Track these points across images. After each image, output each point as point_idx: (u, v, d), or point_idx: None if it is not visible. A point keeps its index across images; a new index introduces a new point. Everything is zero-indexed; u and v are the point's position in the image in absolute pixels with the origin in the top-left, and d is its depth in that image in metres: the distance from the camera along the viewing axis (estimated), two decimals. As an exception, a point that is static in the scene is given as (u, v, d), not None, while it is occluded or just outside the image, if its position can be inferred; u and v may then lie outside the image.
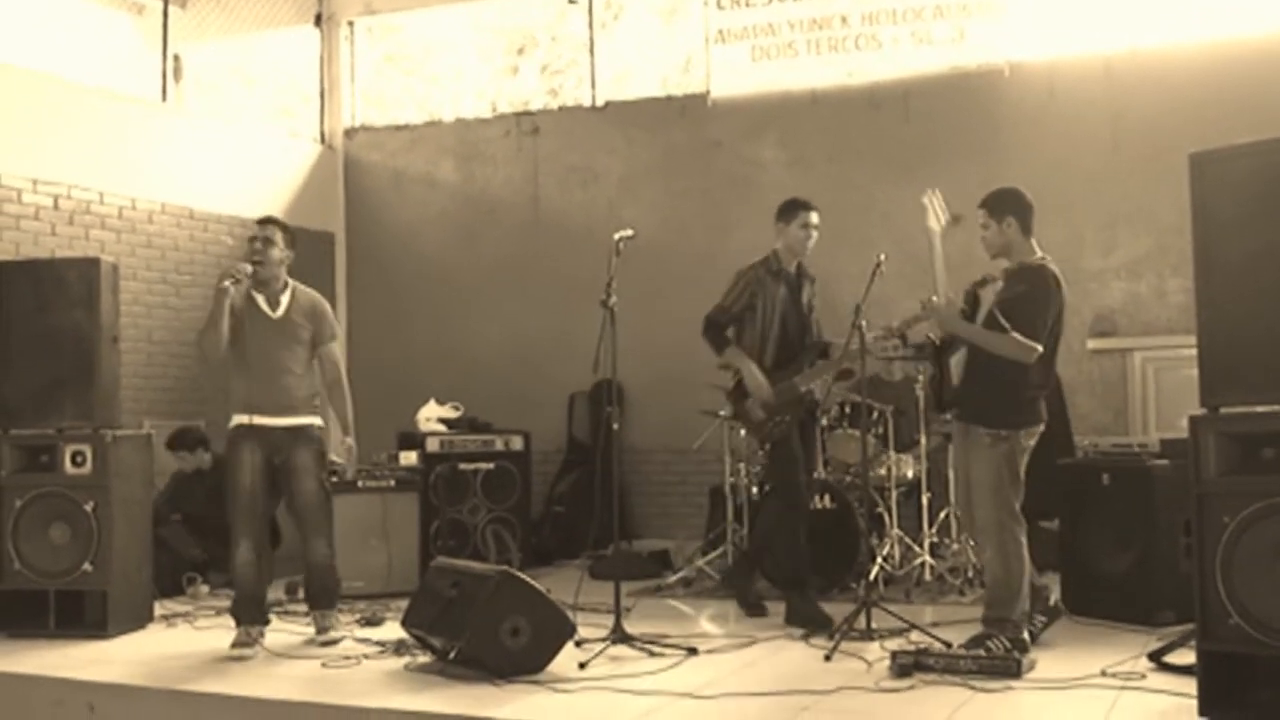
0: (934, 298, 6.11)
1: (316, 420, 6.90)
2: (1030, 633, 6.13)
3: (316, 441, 6.84)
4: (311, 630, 6.91)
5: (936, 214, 6.29)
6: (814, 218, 7.22)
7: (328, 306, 7.03)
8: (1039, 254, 6.11)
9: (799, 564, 7.14)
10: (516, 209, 11.07)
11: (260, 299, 6.74)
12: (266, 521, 6.99)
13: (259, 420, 6.68)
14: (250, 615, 6.67)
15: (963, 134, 9.58)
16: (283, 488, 6.82)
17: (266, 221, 6.88)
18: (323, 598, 6.90)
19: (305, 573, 6.98)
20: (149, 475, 7.66)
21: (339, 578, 7.04)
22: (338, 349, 7.00)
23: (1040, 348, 5.86)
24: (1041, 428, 6.14)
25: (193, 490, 8.84)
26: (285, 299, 6.81)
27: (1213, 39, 9.09)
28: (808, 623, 6.81)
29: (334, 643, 6.71)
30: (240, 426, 6.71)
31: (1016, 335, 5.84)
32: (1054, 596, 6.41)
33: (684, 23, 10.76)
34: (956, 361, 6.27)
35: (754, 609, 7.39)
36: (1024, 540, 6.03)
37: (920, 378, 8.21)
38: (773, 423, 7.14)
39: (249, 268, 6.62)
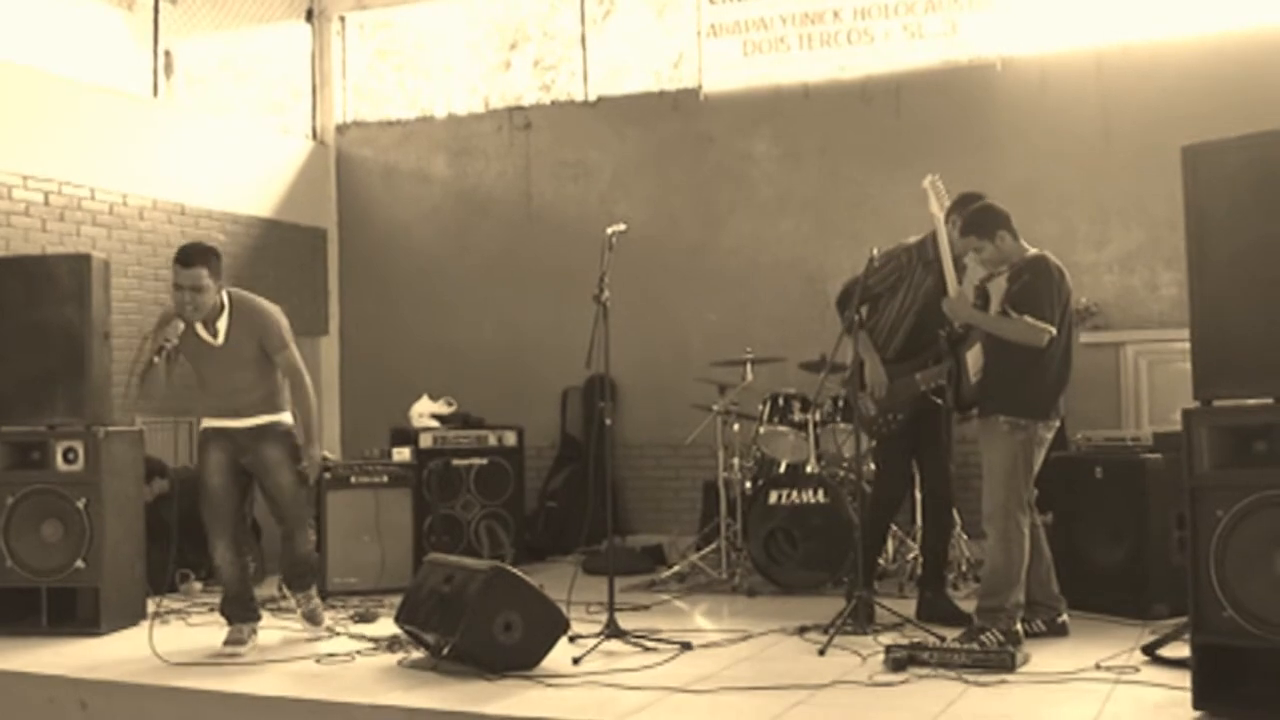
0: (951, 296, 6.20)
1: (282, 416, 6.73)
2: (1024, 630, 6.15)
3: (283, 436, 6.70)
4: (301, 626, 6.92)
5: (939, 199, 6.32)
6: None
7: (271, 317, 6.65)
8: (1033, 249, 6.20)
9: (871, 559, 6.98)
10: (509, 204, 11.06)
11: (200, 329, 6.51)
12: (239, 519, 6.89)
13: (221, 423, 6.65)
14: (239, 613, 6.66)
15: (955, 128, 9.58)
16: (259, 486, 6.78)
17: (190, 263, 6.34)
18: (296, 582, 6.89)
19: (282, 562, 6.94)
20: (140, 472, 7.64)
21: (316, 562, 7.04)
22: (293, 356, 6.66)
23: (1053, 330, 5.91)
24: (1059, 422, 6.21)
25: (159, 515, 8.72)
26: (223, 324, 6.52)
27: (1203, 33, 9.09)
28: (944, 619, 6.55)
29: (319, 621, 6.85)
30: (207, 429, 6.71)
31: (1028, 318, 5.93)
32: (1064, 616, 6.39)
33: (676, 17, 10.75)
34: (974, 357, 6.29)
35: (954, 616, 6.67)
36: (1027, 532, 6.06)
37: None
38: (884, 420, 6.89)
39: (177, 331, 6.39)
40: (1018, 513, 6.05)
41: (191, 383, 6.72)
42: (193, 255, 6.39)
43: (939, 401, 6.75)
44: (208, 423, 6.70)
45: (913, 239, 6.92)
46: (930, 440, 6.94)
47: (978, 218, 6.28)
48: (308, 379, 6.69)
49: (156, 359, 6.32)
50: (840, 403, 8.20)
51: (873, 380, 6.84)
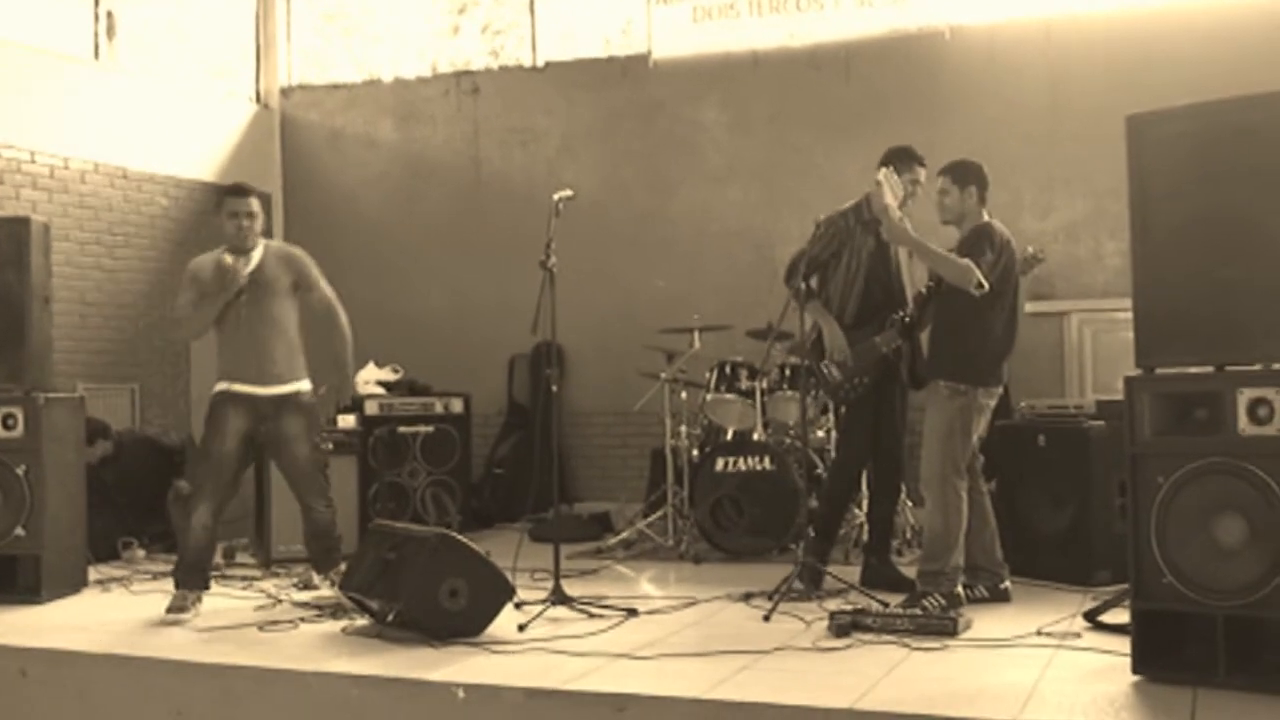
0: (891, 219, 6.25)
1: (303, 385, 6.79)
2: (967, 595, 6.20)
3: (304, 408, 6.76)
4: (244, 594, 6.88)
5: (892, 190, 6.35)
6: (921, 175, 6.79)
7: (304, 255, 6.88)
8: (988, 219, 6.30)
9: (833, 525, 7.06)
10: (456, 170, 11.00)
11: (244, 270, 6.63)
12: (233, 490, 6.86)
13: (244, 389, 6.65)
14: (193, 581, 6.59)
15: (903, 96, 9.60)
16: (272, 456, 6.83)
17: (245, 193, 6.69)
18: (324, 560, 6.86)
19: (306, 535, 6.94)
20: (81, 438, 7.55)
21: (339, 534, 6.98)
22: (327, 289, 6.82)
23: (983, 279, 5.94)
24: (1001, 390, 6.27)
25: (101, 477, 8.65)
26: (256, 256, 6.69)
27: (1152, 5, 9.15)
28: (889, 586, 6.58)
29: (313, 588, 6.87)
30: (224, 392, 6.68)
31: (963, 260, 6.00)
32: (1007, 582, 6.44)
33: (626, -18, 10.69)
34: (927, 337, 6.36)
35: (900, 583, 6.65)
36: (965, 496, 6.12)
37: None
38: (849, 385, 6.80)
39: (242, 264, 6.59)
40: (954, 478, 6.12)
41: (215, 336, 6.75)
42: (245, 186, 6.76)
43: (898, 365, 6.79)
44: (228, 386, 6.67)
45: (849, 204, 6.91)
46: (888, 405, 6.93)
47: (963, 164, 6.34)
48: (343, 313, 6.84)
49: (241, 296, 6.52)
50: (787, 371, 8.21)
51: (833, 346, 6.79)
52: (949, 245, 6.25)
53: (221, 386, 6.69)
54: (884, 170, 6.44)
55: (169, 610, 6.41)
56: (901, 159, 6.75)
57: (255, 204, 6.68)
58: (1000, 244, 6.16)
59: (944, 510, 6.11)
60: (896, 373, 6.81)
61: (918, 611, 5.78)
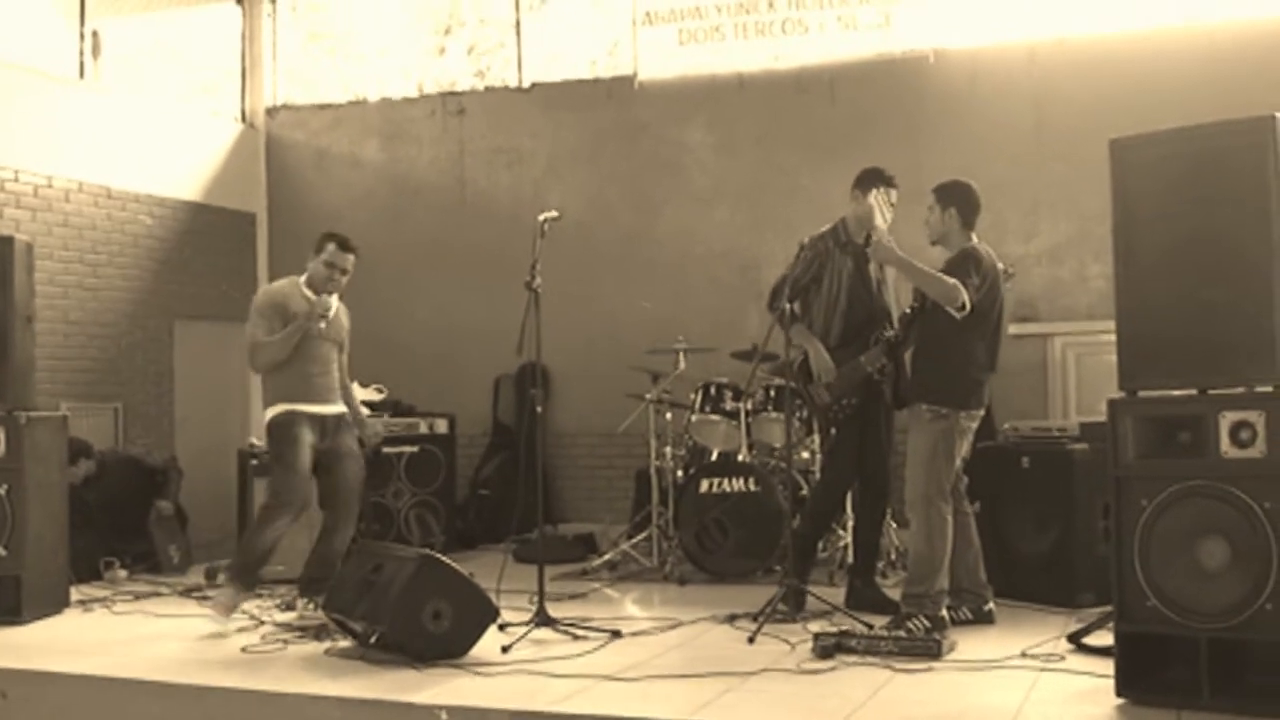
0: (879, 238, 6.30)
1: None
2: (951, 617, 6.21)
3: (352, 427, 7.09)
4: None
5: (882, 212, 6.37)
6: (892, 196, 6.83)
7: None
8: (975, 243, 6.32)
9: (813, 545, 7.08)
10: (442, 190, 11.00)
11: (312, 299, 6.91)
12: (309, 504, 7.02)
13: (312, 408, 6.88)
14: (253, 583, 6.93)
15: (888, 119, 9.64)
16: (327, 472, 6.96)
17: (346, 249, 7.02)
18: (317, 586, 6.80)
19: (316, 556, 6.97)
20: (64, 458, 7.52)
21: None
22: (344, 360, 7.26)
23: (968, 299, 5.96)
24: (982, 412, 6.28)
25: (83, 497, 8.62)
26: (334, 302, 6.98)
27: (1136, 28, 9.20)
28: (873, 608, 6.61)
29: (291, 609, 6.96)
30: (293, 411, 6.85)
31: (950, 279, 6.02)
32: (991, 604, 6.44)
33: (611, 4, 10.71)
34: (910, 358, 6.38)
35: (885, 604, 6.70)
36: (950, 519, 6.12)
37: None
38: (838, 406, 6.82)
39: (331, 303, 6.89)
40: (939, 500, 6.13)
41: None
42: (347, 243, 7.05)
43: (883, 385, 6.83)
44: (295, 406, 6.85)
45: (826, 226, 6.97)
46: (874, 426, 6.94)
47: (949, 184, 6.38)
48: None
49: (323, 325, 6.83)
50: (771, 392, 8.22)
51: (820, 368, 6.80)
52: (937, 267, 6.28)
53: (287, 407, 6.85)
54: (876, 191, 6.46)
55: (221, 610, 6.62)
56: (872, 181, 6.82)
57: (352, 262, 7.02)
58: (986, 268, 6.18)
59: (928, 533, 6.12)
60: (881, 393, 6.84)
61: (902, 634, 5.78)
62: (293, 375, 6.87)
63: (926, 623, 6.01)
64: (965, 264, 6.15)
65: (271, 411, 6.88)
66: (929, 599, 6.08)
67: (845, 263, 6.83)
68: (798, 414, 7.47)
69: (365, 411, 7.47)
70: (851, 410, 6.81)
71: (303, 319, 6.80)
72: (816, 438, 8.12)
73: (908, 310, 6.52)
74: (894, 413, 6.94)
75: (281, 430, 6.84)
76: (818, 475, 7.85)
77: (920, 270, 6.18)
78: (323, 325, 6.85)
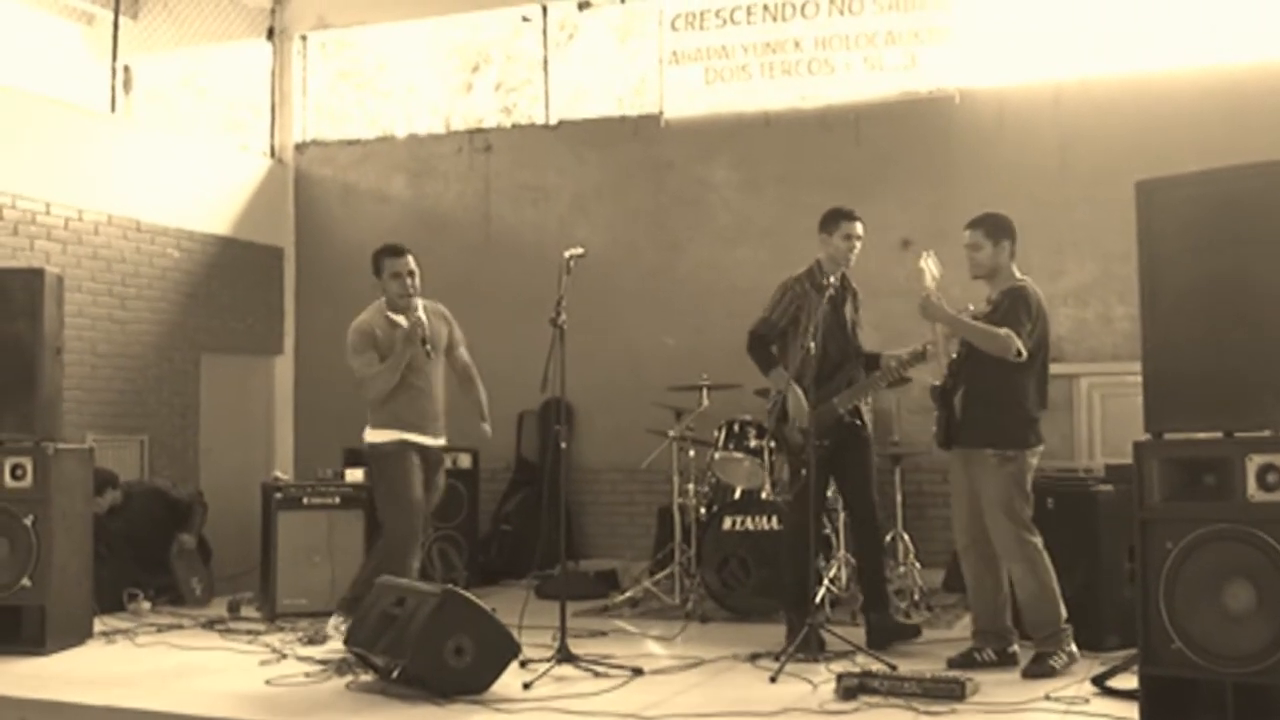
0: (929, 297, 6.22)
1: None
2: (975, 659, 6.18)
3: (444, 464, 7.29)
4: (249, 648, 6.88)
5: (932, 274, 6.31)
6: (858, 228, 6.99)
7: (449, 312, 7.38)
8: (1020, 276, 6.31)
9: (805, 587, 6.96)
10: (467, 226, 11.04)
11: (399, 320, 7.04)
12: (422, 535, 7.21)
13: (423, 440, 7.04)
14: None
15: (913, 159, 9.65)
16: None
17: (404, 252, 7.17)
18: (352, 607, 6.79)
19: (369, 577, 6.96)
20: (90, 489, 7.55)
21: None
22: (464, 350, 7.34)
23: (1022, 346, 5.97)
24: (1043, 447, 6.26)
25: (108, 528, 8.66)
26: (421, 314, 7.07)
27: (1161, 70, 9.20)
28: (895, 637, 6.75)
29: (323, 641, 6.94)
30: (404, 442, 6.99)
31: (1002, 330, 6.02)
32: (1015, 646, 6.37)
33: (639, 43, 10.78)
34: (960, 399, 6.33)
35: (905, 631, 6.97)
36: (1042, 548, 6.15)
37: (869, 400, 8.28)
38: (811, 448, 6.82)
39: (420, 323, 6.97)
40: (1030, 536, 6.14)
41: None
42: (402, 246, 7.20)
43: (859, 425, 6.99)
44: (405, 436, 6.99)
45: (801, 269, 7.08)
46: (854, 465, 7.02)
47: (995, 219, 6.37)
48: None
49: (428, 349, 6.96)
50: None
51: (795, 411, 6.87)
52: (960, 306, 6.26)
53: (397, 436, 7.00)
54: (926, 255, 6.40)
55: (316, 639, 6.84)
56: (834, 219, 6.99)
57: (414, 262, 7.11)
58: (1035, 310, 6.19)
59: (1033, 571, 6.12)
60: (859, 432, 6.98)
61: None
62: (403, 401, 7.00)
63: (1065, 655, 6.07)
64: (1016, 310, 6.14)
65: (379, 436, 7.00)
66: (1063, 633, 6.12)
67: (821, 304, 6.88)
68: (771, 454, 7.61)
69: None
70: (824, 452, 6.85)
71: (402, 346, 6.90)
72: (788, 480, 8.09)
73: (954, 355, 6.44)
74: (872, 446, 7.14)
75: (391, 461, 6.98)
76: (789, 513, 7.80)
77: (973, 327, 6.16)
78: (428, 347, 6.93)
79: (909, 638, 6.53)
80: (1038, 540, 6.15)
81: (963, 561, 6.44)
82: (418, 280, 7.13)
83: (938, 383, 6.53)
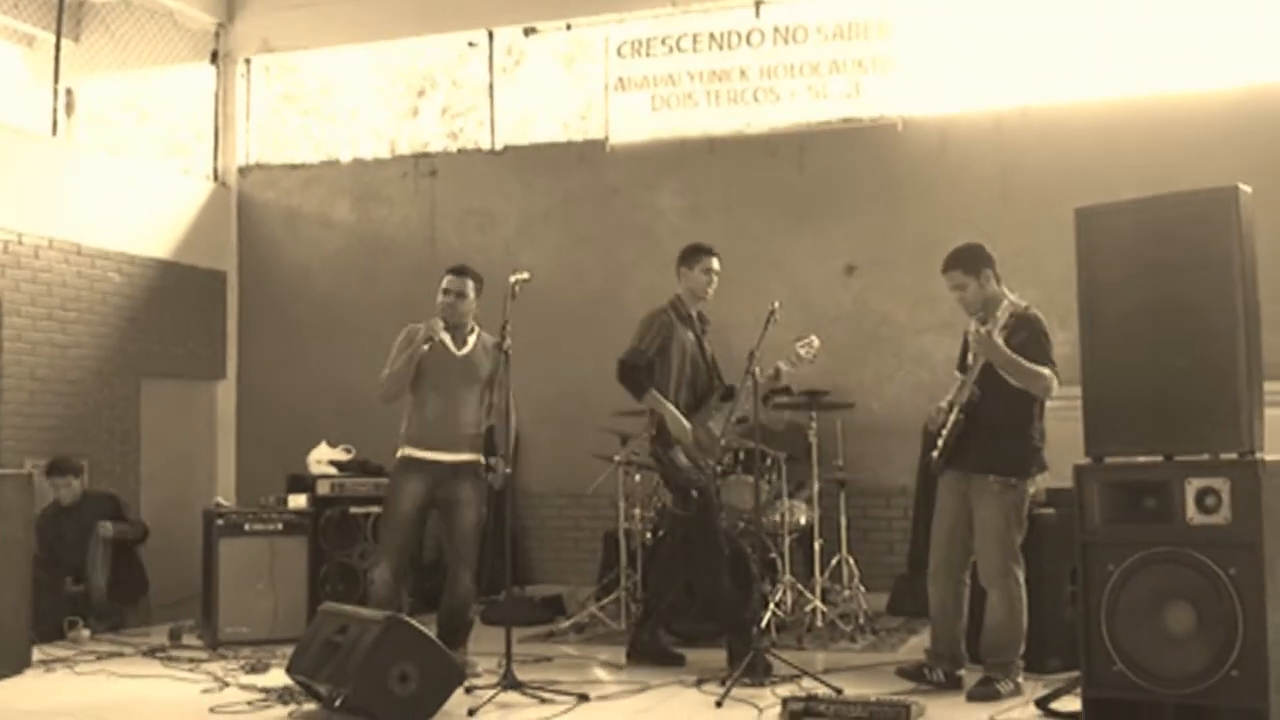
0: (980, 329, 6.17)
1: (480, 457, 7.02)
2: (925, 676, 6.21)
3: (480, 477, 7.01)
4: (190, 676, 6.79)
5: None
6: (715, 263, 7.20)
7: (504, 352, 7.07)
8: (1023, 302, 6.29)
9: (732, 605, 7.06)
10: (412, 250, 10.99)
11: (447, 338, 6.96)
12: (412, 551, 7.19)
13: (426, 455, 6.92)
14: None
15: (856, 185, 9.73)
16: (441, 520, 7.04)
17: (462, 273, 7.12)
18: (453, 639, 6.74)
19: (443, 608, 7.01)
20: (29, 516, 7.46)
21: (473, 617, 7.13)
22: (509, 398, 6.98)
23: (1056, 383, 6.06)
24: (1044, 475, 6.28)
25: (59, 525, 8.59)
26: (472, 340, 7.04)
27: (1101, 98, 9.33)
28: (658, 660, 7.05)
29: (475, 675, 6.67)
30: (408, 458, 6.95)
31: (1046, 370, 6.06)
32: (963, 672, 6.33)
33: (585, 69, 10.82)
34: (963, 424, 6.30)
35: (667, 657, 7.27)
36: (1023, 584, 6.15)
37: (813, 424, 8.34)
38: (697, 470, 6.99)
39: (440, 326, 6.92)
40: (1015, 569, 6.13)
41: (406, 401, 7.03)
42: (465, 268, 7.20)
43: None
44: (411, 452, 6.95)
45: (665, 301, 7.23)
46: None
47: (968, 252, 6.34)
48: (514, 419, 7.08)
49: (426, 346, 6.85)
50: (741, 455, 8.23)
51: (677, 433, 6.96)
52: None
53: (405, 452, 6.98)
54: (974, 324, 6.30)
55: None
56: (694, 254, 7.22)
57: (468, 285, 7.04)
58: (1048, 336, 6.21)
59: (1009, 602, 6.11)
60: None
61: (871, 698, 5.78)
62: (414, 416, 7.01)
63: (1012, 684, 6.05)
64: (1040, 344, 6.14)
65: (398, 453, 7.01)
66: (1014, 665, 6.12)
67: (686, 335, 7.11)
68: (766, 476, 7.54)
69: (319, 459, 7.43)
70: (711, 471, 7.05)
71: (414, 346, 6.91)
72: (786, 500, 8.16)
73: (976, 389, 6.25)
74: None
75: (393, 478, 7.03)
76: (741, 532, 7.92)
77: (1022, 366, 6.06)
78: (425, 348, 6.86)
79: (670, 664, 7.07)
80: (1020, 573, 6.13)
81: (930, 584, 6.41)
82: (464, 304, 7.04)
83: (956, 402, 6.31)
